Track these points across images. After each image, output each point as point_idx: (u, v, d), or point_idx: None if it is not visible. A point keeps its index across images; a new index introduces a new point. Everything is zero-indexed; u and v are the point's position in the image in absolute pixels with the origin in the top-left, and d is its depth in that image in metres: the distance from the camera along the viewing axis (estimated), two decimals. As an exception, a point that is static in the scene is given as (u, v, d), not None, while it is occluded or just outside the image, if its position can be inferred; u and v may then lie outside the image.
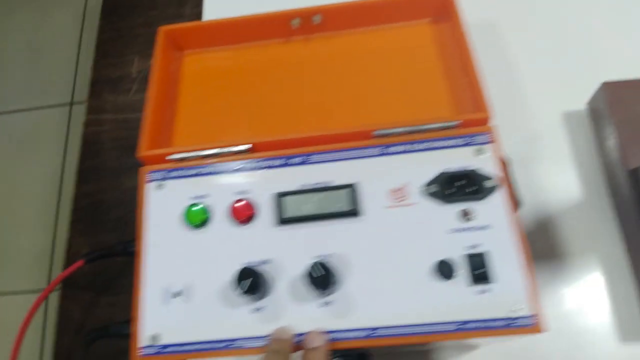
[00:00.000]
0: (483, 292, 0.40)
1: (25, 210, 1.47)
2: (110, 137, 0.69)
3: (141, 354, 0.41)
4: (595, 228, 0.56)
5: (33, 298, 1.35)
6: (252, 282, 0.39)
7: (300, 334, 0.40)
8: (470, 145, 0.44)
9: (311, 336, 0.39)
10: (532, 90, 0.63)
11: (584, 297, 0.53)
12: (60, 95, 1.60)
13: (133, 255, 0.50)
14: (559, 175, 0.58)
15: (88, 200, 0.66)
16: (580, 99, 0.61)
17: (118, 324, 0.50)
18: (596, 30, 0.66)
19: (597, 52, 0.64)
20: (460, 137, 0.44)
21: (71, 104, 1.59)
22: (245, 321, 0.41)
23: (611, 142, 0.55)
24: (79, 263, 0.54)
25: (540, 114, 0.62)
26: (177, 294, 0.42)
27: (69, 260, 0.63)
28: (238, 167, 0.45)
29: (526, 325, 0.39)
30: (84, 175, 0.68)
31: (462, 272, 0.41)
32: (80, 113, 1.58)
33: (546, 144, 0.60)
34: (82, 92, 1.60)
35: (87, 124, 0.71)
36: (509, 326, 0.39)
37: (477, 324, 0.39)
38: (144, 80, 0.73)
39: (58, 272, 1.37)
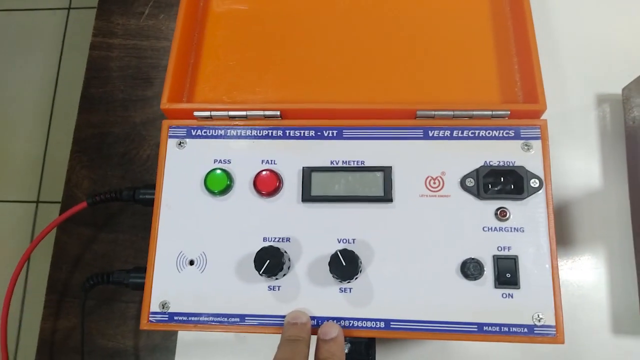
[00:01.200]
0: (508, 296, 0.39)
1: (18, 115, 1.42)
2: (119, 65, 0.64)
3: (150, 320, 0.39)
4: (608, 218, 0.54)
5: (23, 208, 1.33)
6: (270, 263, 0.37)
7: (328, 318, 0.39)
8: (517, 138, 0.41)
9: (326, 328, 0.38)
10: (568, 65, 0.59)
11: (584, 285, 0.52)
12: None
13: (142, 203, 0.47)
14: (582, 159, 0.56)
15: (92, 131, 0.62)
16: (617, 82, 0.57)
17: (121, 272, 0.48)
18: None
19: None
20: (509, 129, 0.41)
21: (69, 8, 1.48)
22: (260, 298, 0.39)
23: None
24: (81, 205, 0.51)
25: (573, 92, 0.58)
26: (191, 262, 0.40)
27: (68, 193, 0.61)
28: (265, 134, 0.42)
29: (548, 335, 0.38)
30: (88, 102, 0.63)
31: (489, 273, 0.39)
32: (77, 19, 1.48)
33: (575, 125, 0.57)
34: (82, -2, 1.50)
35: (94, 47, 0.65)
36: (531, 334, 0.38)
37: (499, 328, 0.38)
38: (155, 4, 0.66)
39: (49, 184, 1.36)
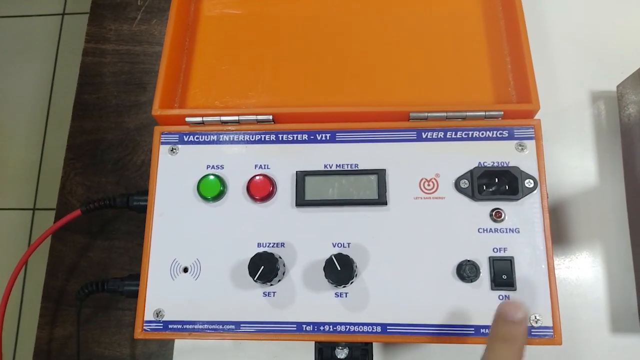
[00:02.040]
0: (505, 297, 0.39)
1: (13, 122, 1.41)
2: (112, 70, 0.64)
3: (144, 329, 0.39)
4: (605, 216, 0.54)
5: (20, 215, 1.33)
6: (265, 269, 0.37)
7: (324, 323, 0.38)
8: (511, 139, 0.41)
9: (508, 307, 0.31)
10: (562, 63, 0.59)
11: (581, 284, 0.52)
12: (51, 5, 1.49)
13: (136, 210, 0.47)
14: (578, 157, 0.56)
15: (86, 138, 0.62)
16: (611, 79, 0.57)
17: (115, 280, 0.48)
18: (638, 12, 0.60)
19: (637, 33, 0.59)
20: (502, 129, 0.41)
21: (63, 14, 1.48)
22: (255, 305, 0.39)
23: (638, 130, 0.51)
24: (75, 213, 0.51)
25: (568, 89, 0.58)
26: (185, 270, 0.40)
27: (63, 200, 0.60)
28: (258, 139, 0.42)
29: (546, 336, 0.38)
30: (81, 109, 0.63)
31: (486, 274, 0.39)
32: (71, 25, 1.48)
33: (570, 122, 0.57)
34: (75, 4, 1.50)
35: (86, 53, 0.65)
36: (528, 335, 0.38)
37: (495, 331, 0.38)
38: (148, 9, 0.66)
39: (45, 191, 1.35)
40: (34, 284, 1.24)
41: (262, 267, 0.37)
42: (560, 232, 0.53)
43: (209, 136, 0.42)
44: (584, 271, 0.52)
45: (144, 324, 0.39)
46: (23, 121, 1.41)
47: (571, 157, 0.56)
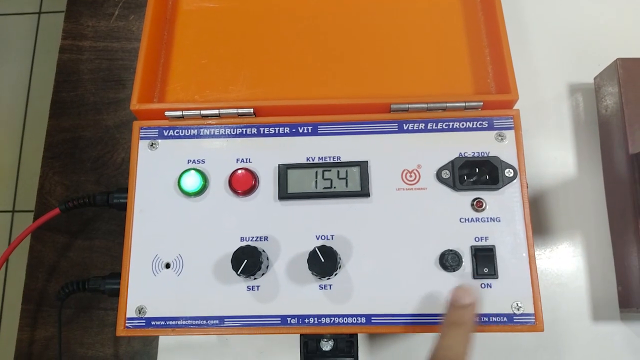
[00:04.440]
0: (487, 286, 0.39)
1: (-11, 122, 1.38)
2: (90, 67, 0.63)
3: (126, 326, 0.39)
4: (584, 206, 0.55)
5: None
6: (248, 263, 0.37)
7: (308, 315, 0.38)
8: (491, 129, 0.41)
9: (460, 292, 0.34)
10: (540, 56, 0.59)
11: (562, 273, 0.53)
12: (27, 4, 1.46)
13: (116, 208, 0.46)
14: (557, 148, 0.56)
15: (64, 136, 0.61)
16: (588, 71, 0.58)
17: (97, 278, 0.47)
18: (614, 6, 0.61)
19: (612, 26, 0.60)
20: (482, 120, 0.41)
21: (39, 12, 1.45)
22: (239, 299, 0.39)
23: (615, 122, 0.52)
24: (54, 211, 0.50)
25: (546, 82, 0.59)
26: (167, 265, 0.40)
27: (41, 200, 0.59)
28: (239, 132, 0.41)
29: (528, 323, 0.38)
30: (59, 107, 0.62)
31: (468, 263, 0.39)
32: (48, 24, 1.45)
33: (549, 114, 0.58)
34: (52, 2, 1.47)
35: (63, 50, 0.64)
36: (511, 322, 0.38)
37: (479, 319, 0.38)
38: (125, 5, 0.65)
39: (24, 192, 1.33)
40: (14, 286, 1.22)
41: (246, 260, 0.37)
42: (540, 222, 0.54)
43: (189, 130, 0.41)
44: (564, 261, 0.53)
45: (126, 321, 0.39)
46: (0, 122, 1.38)
47: (550, 149, 0.56)
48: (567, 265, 0.53)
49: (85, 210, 0.58)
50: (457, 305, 0.34)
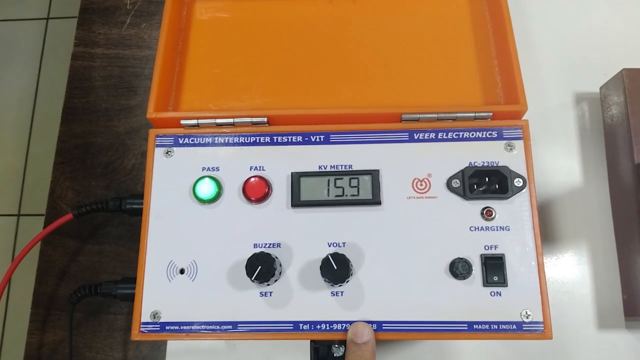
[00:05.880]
0: (497, 294, 0.40)
1: (-4, 126, 1.39)
2: (102, 74, 0.64)
3: (140, 330, 0.39)
4: (590, 215, 0.55)
5: (4, 221, 1.31)
6: (262, 269, 0.37)
7: (320, 322, 0.39)
8: (500, 139, 0.42)
9: (358, 328, 0.38)
10: (546, 65, 0.60)
11: (568, 281, 0.53)
12: (36, 9, 1.48)
13: (129, 213, 0.47)
14: (563, 157, 0.57)
15: (75, 142, 0.62)
16: (594, 81, 0.58)
17: (109, 283, 0.47)
18: (620, 16, 0.62)
19: (619, 36, 0.61)
20: (491, 130, 0.42)
21: (47, 18, 1.47)
22: (252, 305, 0.39)
23: (621, 131, 0.53)
24: (67, 217, 0.51)
25: (553, 91, 0.59)
26: (181, 271, 0.40)
27: (52, 205, 0.60)
28: (253, 140, 0.42)
29: (537, 331, 0.39)
30: (70, 113, 0.63)
31: (478, 272, 0.40)
32: (56, 29, 1.46)
33: (555, 123, 0.58)
34: (59, 8, 1.48)
35: (75, 57, 0.65)
36: (520, 330, 0.39)
37: (488, 326, 0.39)
38: (137, 13, 0.66)
39: (30, 196, 1.33)
40: (19, 289, 1.22)
41: (260, 267, 0.37)
42: (546, 230, 0.55)
43: (204, 138, 0.42)
44: (570, 269, 0.54)
45: (141, 326, 0.39)
46: (7, 127, 1.39)
47: (556, 158, 0.57)
48: (572, 273, 0.53)
49: (96, 215, 0.58)
50: (356, 342, 0.37)
